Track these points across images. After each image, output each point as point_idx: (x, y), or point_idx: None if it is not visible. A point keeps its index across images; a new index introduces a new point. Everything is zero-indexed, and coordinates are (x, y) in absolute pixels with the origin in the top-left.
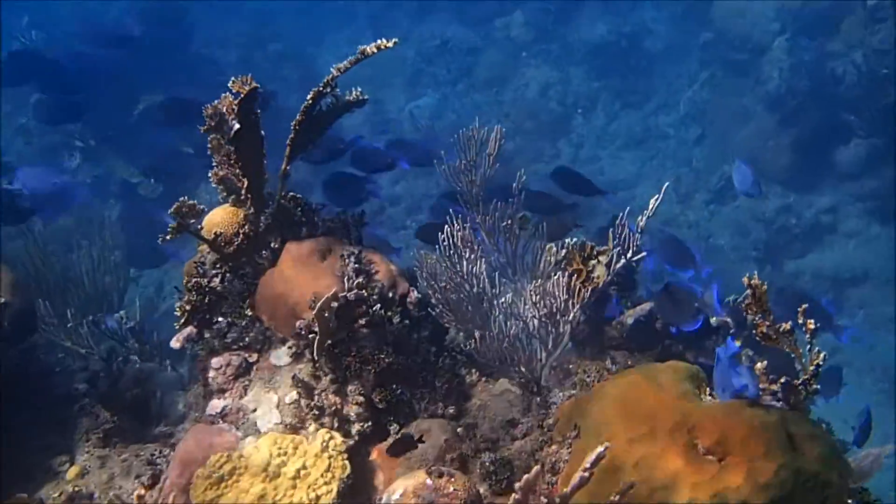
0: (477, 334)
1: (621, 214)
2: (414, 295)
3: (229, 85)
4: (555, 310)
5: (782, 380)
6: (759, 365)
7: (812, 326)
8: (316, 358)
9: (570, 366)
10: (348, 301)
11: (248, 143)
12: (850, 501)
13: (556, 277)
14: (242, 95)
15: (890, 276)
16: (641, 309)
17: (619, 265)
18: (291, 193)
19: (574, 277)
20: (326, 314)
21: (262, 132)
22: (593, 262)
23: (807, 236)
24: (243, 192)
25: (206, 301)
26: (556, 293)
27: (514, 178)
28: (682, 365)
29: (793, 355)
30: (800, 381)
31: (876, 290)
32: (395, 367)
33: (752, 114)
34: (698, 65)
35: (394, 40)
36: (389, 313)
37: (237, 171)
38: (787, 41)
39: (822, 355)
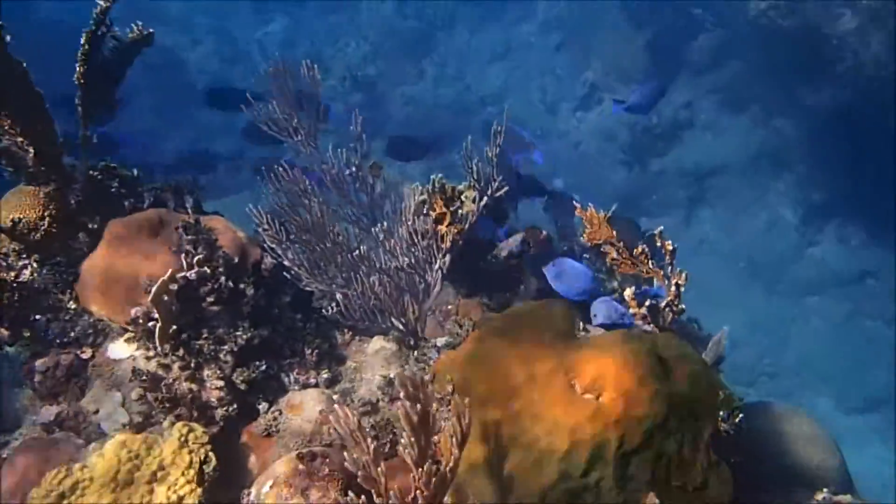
0: (339, 296)
1: (463, 151)
2: (268, 260)
3: None
4: (421, 259)
5: (647, 303)
6: (627, 291)
7: (670, 247)
8: (160, 346)
9: (449, 306)
10: (190, 280)
11: (18, 101)
12: (721, 413)
13: (416, 225)
14: None
15: (745, 165)
16: (514, 240)
17: (482, 203)
18: (104, 163)
19: (438, 223)
20: (166, 298)
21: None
22: (457, 202)
23: (668, 134)
24: (32, 164)
25: (17, 298)
26: (420, 242)
27: (379, 105)
28: (555, 305)
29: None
30: (665, 304)
31: (734, 179)
32: (255, 343)
33: (607, 16)
34: None
35: None
36: (242, 285)
37: (17, 137)
38: None
39: (683, 274)
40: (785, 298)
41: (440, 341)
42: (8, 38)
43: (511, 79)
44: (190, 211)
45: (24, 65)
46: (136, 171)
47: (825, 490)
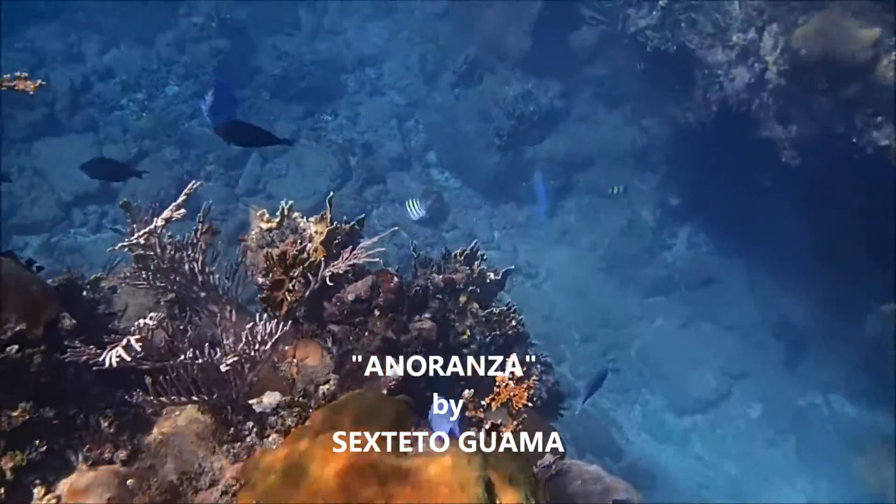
0: (147, 380)
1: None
2: (68, 321)
3: None
4: (254, 350)
5: (487, 426)
6: (466, 393)
7: (519, 372)
8: None
9: (286, 347)
10: None
11: None
12: None
13: (261, 324)
14: None
15: (612, 160)
16: (364, 284)
17: (329, 270)
18: None
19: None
20: None
21: None
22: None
23: (543, 122)
24: None
25: None
26: (258, 335)
27: (246, 56)
28: (385, 410)
29: None
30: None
31: (601, 173)
32: (36, 420)
33: None
34: None
35: None
36: (28, 351)
37: None
38: None
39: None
40: (635, 296)
41: (266, 402)
42: None
43: (393, 41)
44: None
45: None
46: None
47: None
